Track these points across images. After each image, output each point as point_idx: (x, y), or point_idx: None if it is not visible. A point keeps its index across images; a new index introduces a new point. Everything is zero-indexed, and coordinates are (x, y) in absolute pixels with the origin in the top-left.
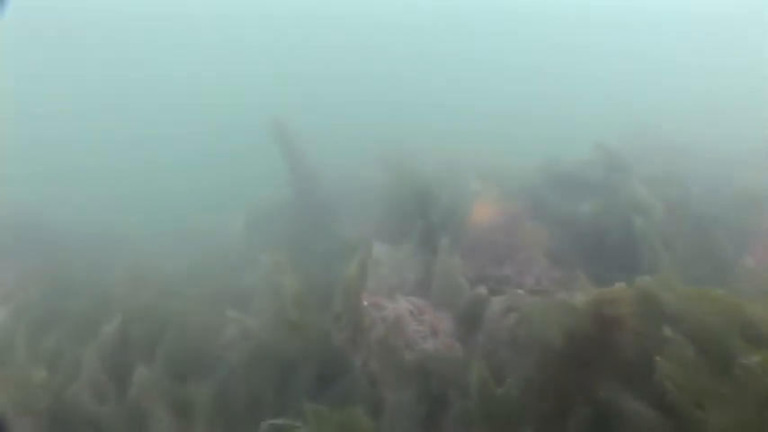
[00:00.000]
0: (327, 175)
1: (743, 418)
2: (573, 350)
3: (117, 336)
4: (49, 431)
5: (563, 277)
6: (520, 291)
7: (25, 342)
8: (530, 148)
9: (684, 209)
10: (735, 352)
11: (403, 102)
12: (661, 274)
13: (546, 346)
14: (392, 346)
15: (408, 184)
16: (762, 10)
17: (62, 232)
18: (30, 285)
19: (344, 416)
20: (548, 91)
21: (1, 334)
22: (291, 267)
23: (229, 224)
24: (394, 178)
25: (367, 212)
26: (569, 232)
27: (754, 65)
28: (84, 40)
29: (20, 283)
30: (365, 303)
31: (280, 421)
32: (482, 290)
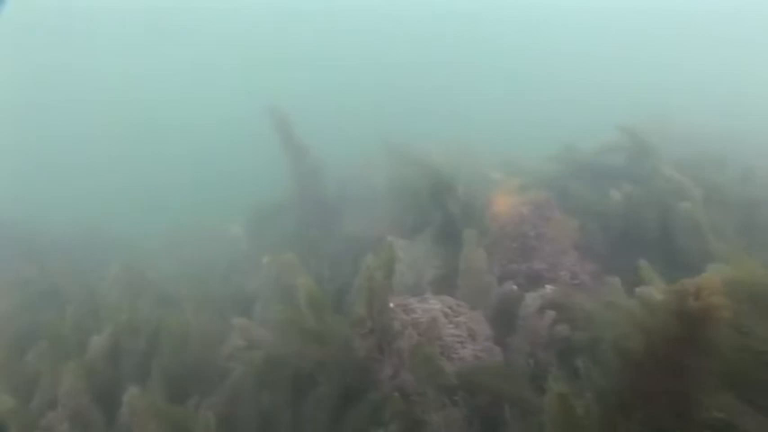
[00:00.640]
0: (331, 169)
1: None
2: (657, 354)
3: (106, 349)
4: None
5: (598, 271)
6: (550, 286)
7: None
8: (537, 137)
9: (727, 193)
10: None
11: (406, 93)
12: (737, 261)
13: (622, 351)
14: (428, 354)
15: (423, 175)
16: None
17: (53, 231)
18: (11, 291)
19: None
20: (554, 80)
21: None
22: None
23: (229, 223)
24: (405, 169)
25: (375, 207)
26: (598, 222)
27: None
28: (84, 35)
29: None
30: (392, 305)
31: None
32: (509, 286)
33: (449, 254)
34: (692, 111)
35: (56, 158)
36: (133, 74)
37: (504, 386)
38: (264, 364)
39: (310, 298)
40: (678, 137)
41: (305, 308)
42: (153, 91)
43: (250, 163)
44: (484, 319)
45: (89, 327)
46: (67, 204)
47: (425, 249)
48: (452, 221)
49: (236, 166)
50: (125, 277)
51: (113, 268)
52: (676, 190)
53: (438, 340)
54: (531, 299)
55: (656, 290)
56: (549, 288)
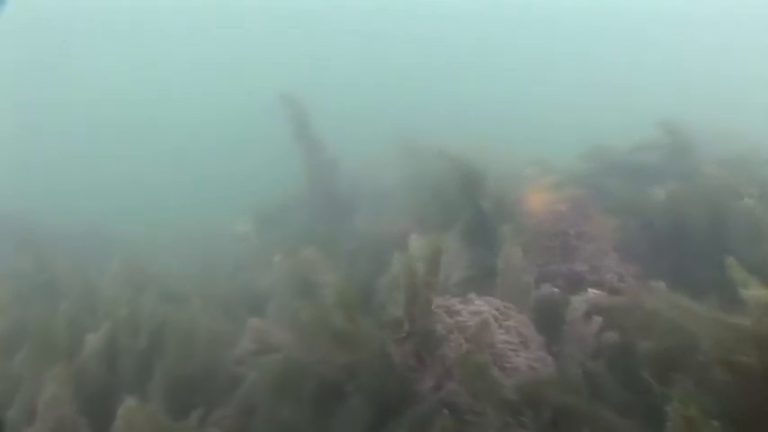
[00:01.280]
0: (343, 166)
1: None
2: None
3: (101, 349)
4: None
5: (642, 273)
6: (593, 290)
7: None
8: (555, 138)
9: None
10: None
11: (413, 94)
12: None
13: (735, 366)
14: (482, 364)
15: (450, 169)
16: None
17: (53, 224)
18: (4, 284)
19: None
20: (569, 81)
21: None
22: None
23: (236, 220)
24: (429, 164)
25: (391, 204)
26: (637, 222)
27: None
28: (85, 34)
29: None
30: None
31: None
32: (548, 288)
33: (478, 253)
34: (708, 111)
35: (61, 155)
36: (138, 71)
37: (576, 403)
38: (283, 371)
39: (341, 296)
40: (707, 135)
41: (334, 307)
42: (159, 88)
43: (257, 160)
44: (531, 324)
45: (84, 324)
46: (72, 199)
47: (452, 248)
48: (483, 218)
49: (243, 162)
50: (126, 271)
51: (114, 262)
52: (728, 188)
53: (489, 347)
54: (578, 303)
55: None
56: (591, 292)
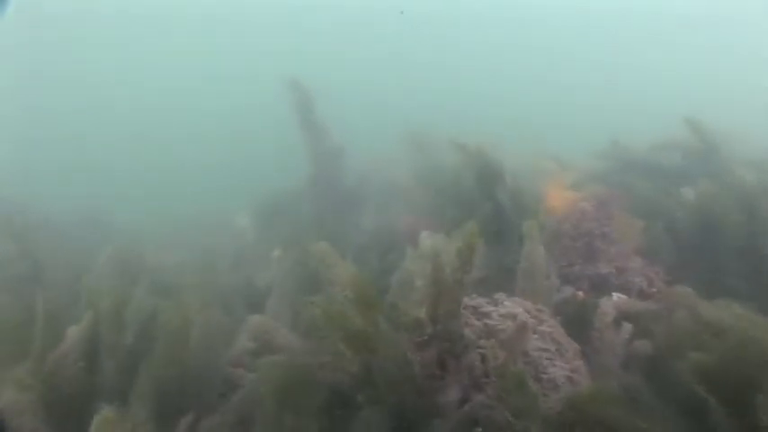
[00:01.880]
0: (349, 160)
1: None
2: None
3: (80, 346)
4: None
5: (669, 278)
6: (618, 294)
7: None
8: (564, 136)
9: None
10: None
11: (420, 92)
12: None
13: None
14: (521, 375)
15: (466, 163)
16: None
17: (46, 211)
18: None
19: None
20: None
21: None
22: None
23: (236, 212)
24: (442, 158)
25: (399, 199)
26: (662, 224)
27: None
28: (89, 31)
29: None
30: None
31: None
32: (569, 291)
33: (494, 251)
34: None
35: (61, 138)
36: (141, 61)
37: (630, 423)
38: (287, 377)
39: (359, 291)
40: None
41: (350, 304)
42: (164, 80)
43: (263, 150)
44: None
45: (65, 316)
46: (73, 187)
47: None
48: (500, 214)
49: (250, 152)
50: (118, 260)
51: (106, 251)
52: (763, 190)
53: (523, 355)
54: (607, 307)
55: None
56: (616, 296)
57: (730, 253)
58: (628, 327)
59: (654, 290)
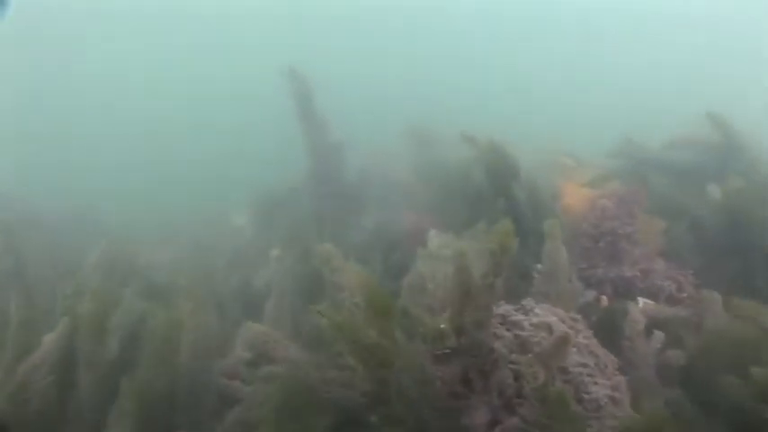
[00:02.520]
0: (352, 152)
1: None
2: None
3: (52, 360)
4: None
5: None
6: (644, 299)
7: None
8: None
9: None
10: None
11: (430, 83)
12: None
13: None
14: (562, 397)
15: (477, 158)
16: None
17: (41, 210)
18: None
19: None
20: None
21: None
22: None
23: (232, 210)
24: (450, 153)
25: (403, 196)
26: (683, 224)
27: None
28: (88, 29)
29: None
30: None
31: None
32: (591, 295)
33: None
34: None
35: (59, 132)
36: (142, 52)
37: None
38: (289, 394)
39: (371, 297)
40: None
41: (361, 312)
42: (158, 62)
43: (263, 145)
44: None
45: (45, 321)
46: (71, 183)
47: (478, 246)
48: (515, 212)
49: (249, 147)
50: (107, 259)
51: (96, 249)
52: None
53: (562, 372)
54: (637, 314)
55: None
56: (642, 301)
57: (759, 254)
58: (660, 335)
59: (684, 294)
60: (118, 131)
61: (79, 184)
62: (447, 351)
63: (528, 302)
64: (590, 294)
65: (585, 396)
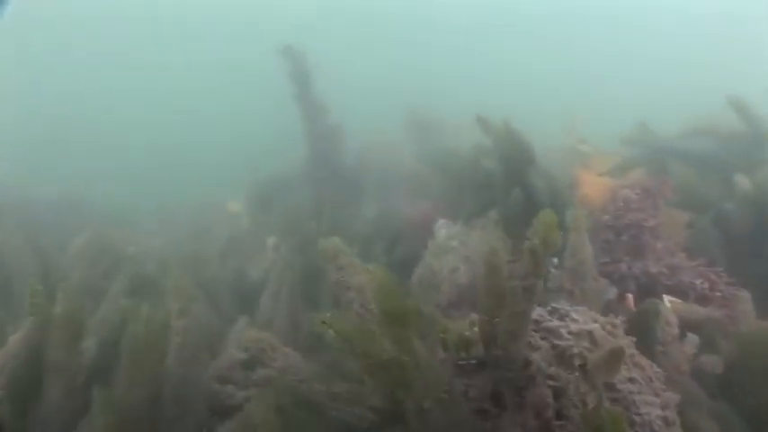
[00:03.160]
0: (351, 139)
1: None
2: None
3: (11, 364)
4: None
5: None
6: (669, 297)
7: None
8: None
9: None
10: None
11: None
12: None
13: None
14: (616, 422)
15: (490, 143)
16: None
17: (24, 195)
18: None
19: None
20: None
21: None
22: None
23: (228, 198)
24: (459, 139)
25: (406, 184)
26: (706, 217)
27: None
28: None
29: None
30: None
31: None
32: (613, 293)
33: (521, 244)
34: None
35: (56, 117)
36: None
37: None
38: (291, 410)
39: (388, 303)
40: None
41: (375, 320)
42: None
43: (255, 132)
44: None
45: (18, 317)
46: (68, 169)
47: (488, 238)
48: (530, 201)
49: (248, 135)
50: (91, 248)
51: (81, 237)
52: None
53: (610, 389)
54: (670, 315)
55: None
56: (668, 300)
57: None
58: (694, 339)
59: (718, 294)
60: (117, 117)
61: (79, 166)
62: (473, 362)
63: (562, 305)
64: (612, 292)
65: (637, 419)
